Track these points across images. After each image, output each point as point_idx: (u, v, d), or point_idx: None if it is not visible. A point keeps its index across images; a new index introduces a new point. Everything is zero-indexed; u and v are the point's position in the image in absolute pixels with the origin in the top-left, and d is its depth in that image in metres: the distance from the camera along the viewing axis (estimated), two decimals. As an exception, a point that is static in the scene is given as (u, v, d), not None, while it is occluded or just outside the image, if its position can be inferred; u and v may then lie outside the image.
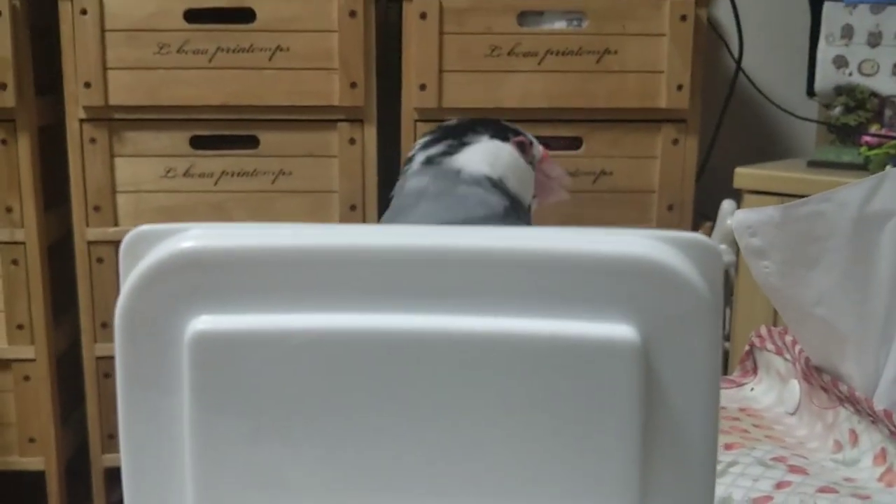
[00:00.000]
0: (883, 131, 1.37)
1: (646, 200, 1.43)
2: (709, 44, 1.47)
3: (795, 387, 0.70)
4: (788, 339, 0.71)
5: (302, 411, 0.37)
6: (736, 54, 1.57)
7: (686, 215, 1.44)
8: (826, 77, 1.42)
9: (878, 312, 0.61)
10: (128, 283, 0.36)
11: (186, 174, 1.38)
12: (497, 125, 1.03)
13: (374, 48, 1.37)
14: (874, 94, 1.39)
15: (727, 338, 1.45)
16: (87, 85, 1.33)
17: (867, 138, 1.36)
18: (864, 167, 1.32)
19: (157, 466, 0.39)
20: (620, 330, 0.35)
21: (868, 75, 1.40)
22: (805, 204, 0.62)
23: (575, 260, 0.35)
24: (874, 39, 1.39)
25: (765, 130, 1.73)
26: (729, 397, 0.75)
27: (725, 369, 0.77)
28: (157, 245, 0.37)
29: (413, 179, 0.98)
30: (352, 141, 1.38)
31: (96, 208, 1.37)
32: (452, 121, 1.05)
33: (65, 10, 1.31)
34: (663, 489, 0.37)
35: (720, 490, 0.60)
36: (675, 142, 1.41)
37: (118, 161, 1.37)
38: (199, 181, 1.38)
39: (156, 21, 1.33)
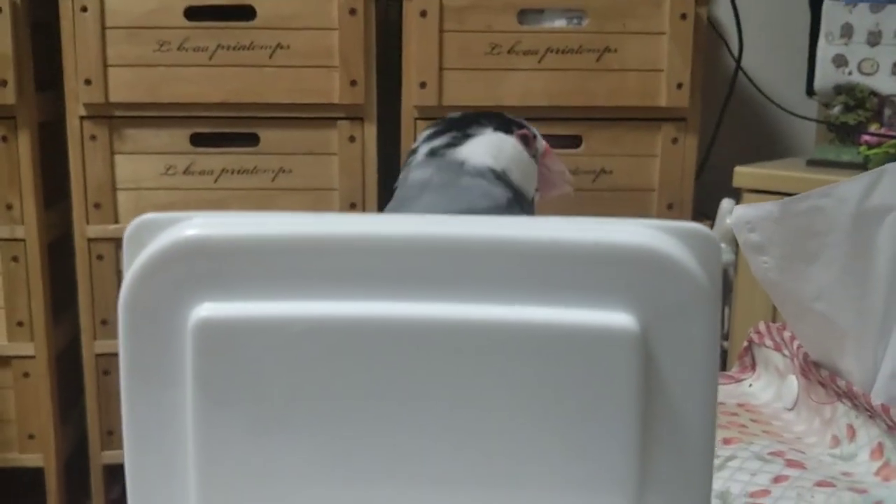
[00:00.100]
0: (882, 130, 1.38)
1: (645, 199, 1.43)
2: (709, 42, 1.47)
3: (793, 382, 0.70)
4: (787, 334, 0.71)
5: (304, 399, 0.37)
6: (736, 53, 1.57)
7: (685, 214, 1.44)
8: (826, 76, 1.42)
9: (876, 307, 0.61)
10: (131, 272, 0.37)
11: (187, 172, 1.38)
12: (501, 118, 1.03)
13: (374, 46, 1.37)
14: (874, 93, 1.39)
15: (726, 337, 1.45)
16: (88, 82, 1.33)
17: (867, 137, 1.36)
18: (863, 166, 1.32)
19: (160, 457, 0.39)
20: (620, 318, 0.35)
21: (868, 74, 1.40)
22: (804, 199, 0.62)
23: (575, 249, 0.36)
24: (874, 38, 1.39)
25: (764, 129, 1.73)
26: (727, 393, 0.75)
27: (724, 367, 0.77)
28: (161, 234, 0.37)
29: (417, 171, 0.98)
30: (352, 139, 1.38)
31: (96, 205, 1.38)
32: (457, 113, 1.06)
33: (65, 6, 1.31)
34: (662, 478, 0.37)
35: (718, 484, 0.60)
36: (675, 140, 1.41)
37: (118, 158, 1.37)
38: (200, 178, 1.38)
39: (156, 18, 1.33)
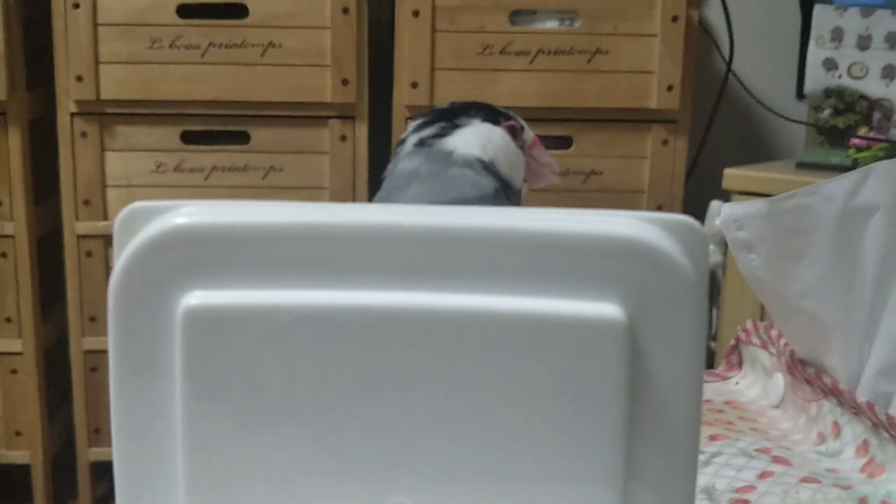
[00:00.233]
0: (871, 134, 1.38)
1: (635, 200, 1.44)
2: (700, 45, 1.48)
3: (780, 380, 0.71)
4: (774, 332, 0.72)
5: (294, 388, 0.37)
6: (726, 56, 1.57)
7: (675, 216, 1.44)
8: (815, 79, 1.43)
9: (862, 305, 0.61)
10: (121, 259, 0.37)
11: (177, 169, 1.38)
12: (489, 109, 1.04)
13: (366, 45, 1.37)
14: (863, 97, 1.40)
15: (714, 337, 1.46)
16: (79, 79, 1.33)
17: (856, 141, 1.37)
18: (852, 169, 1.32)
19: (149, 448, 0.39)
20: (607, 309, 0.36)
21: (857, 78, 1.41)
22: (792, 197, 0.62)
23: (562, 239, 0.36)
24: (864, 42, 1.40)
25: (754, 132, 1.74)
26: (714, 391, 0.76)
27: (711, 366, 0.78)
28: (151, 222, 0.37)
29: (405, 161, 0.99)
30: (343, 138, 1.39)
31: (86, 202, 1.38)
32: (445, 104, 1.06)
33: (57, 3, 1.31)
34: (648, 468, 0.37)
35: (704, 480, 0.61)
36: (665, 142, 1.42)
37: (109, 155, 1.37)
38: (190, 176, 1.38)
39: (148, 15, 1.33)
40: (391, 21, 1.39)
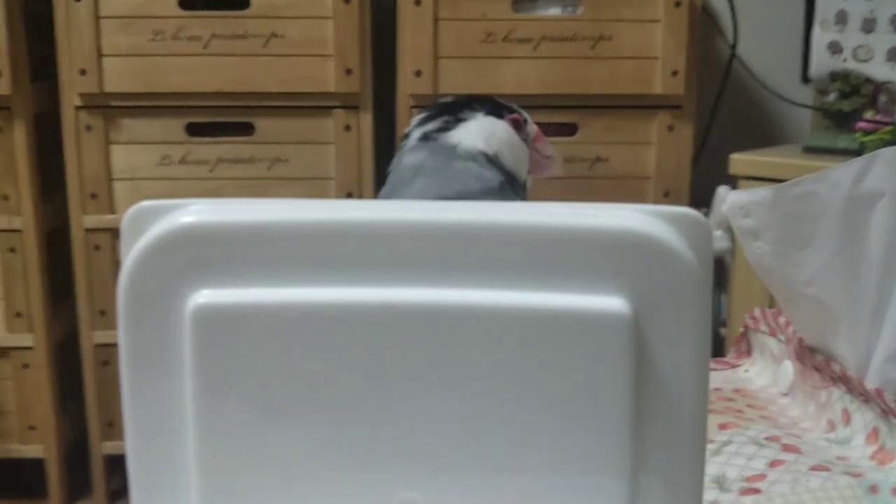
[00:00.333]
0: (877, 117, 1.38)
1: (641, 187, 1.43)
2: (703, 30, 1.47)
3: (789, 367, 0.71)
4: (782, 320, 0.72)
5: (303, 385, 0.37)
6: (730, 40, 1.57)
7: (682, 202, 1.44)
8: (821, 63, 1.42)
9: (869, 292, 0.61)
10: (129, 259, 0.37)
11: (182, 161, 1.38)
12: (493, 102, 1.04)
13: (369, 35, 1.37)
14: (868, 80, 1.39)
15: (723, 323, 1.46)
16: (83, 72, 1.33)
17: (862, 124, 1.36)
18: (858, 153, 1.32)
19: (161, 444, 0.40)
20: (611, 302, 0.36)
21: (862, 61, 1.40)
22: (798, 184, 0.62)
23: (566, 233, 0.36)
24: (868, 25, 1.39)
25: (760, 116, 1.73)
26: (724, 378, 0.76)
27: (721, 353, 0.78)
28: (158, 220, 0.37)
29: (409, 155, 0.99)
30: (347, 128, 1.38)
31: (93, 196, 1.38)
32: (448, 98, 1.06)
33: (60, -3, 1.31)
34: (655, 460, 0.37)
35: (715, 469, 0.61)
36: (671, 128, 1.41)
37: (114, 148, 1.37)
38: (195, 168, 1.38)
39: (150, 8, 1.33)
40: (393, 10, 1.38)
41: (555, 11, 1.38)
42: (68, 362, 1.49)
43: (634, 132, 1.42)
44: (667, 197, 1.43)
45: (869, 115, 1.38)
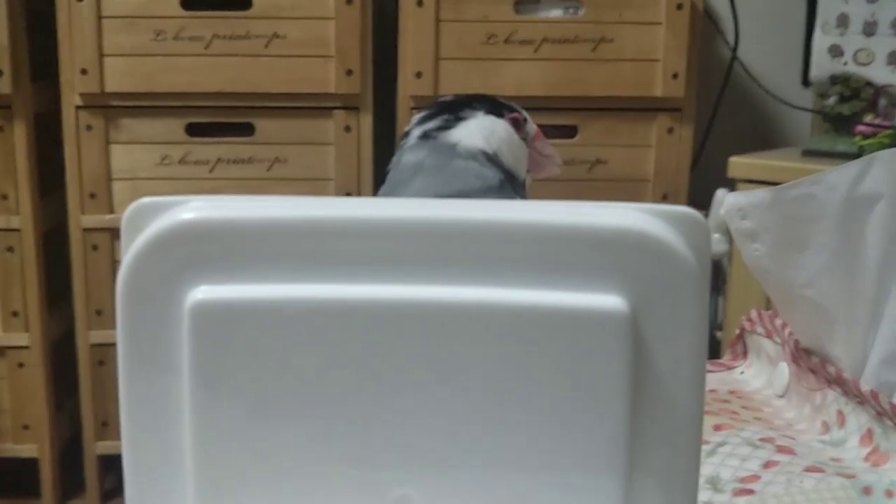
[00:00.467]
0: (877, 121, 1.38)
1: (640, 189, 1.43)
2: (704, 32, 1.48)
3: (784, 369, 0.71)
4: (778, 322, 0.72)
5: (301, 382, 0.37)
6: (731, 43, 1.57)
7: (681, 204, 1.44)
8: (821, 66, 1.43)
9: (866, 294, 0.61)
10: (129, 255, 0.37)
11: (182, 161, 1.38)
12: (492, 101, 1.04)
13: (370, 36, 1.37)
14: (869, 84, 1.39)
15: (719, 327, 1.46)
16: (84, 72, 1.33)
17: (862, 128, 1.36)
18: (858, 157, 1.32)
19: (157, 441, 0.40)
20: (610, 300, 0.36)
21: (863, 64, 1.40)
22: (795, 186, 0.62)
23: (565, 231, 0.36)
24: (869, 29, 1.40)
25: (760, 119, 1.73)
26: (719, 380, 0.76)
27: (717, 357, 0.78)
28: (158, 217, 0.37)
29: (409, 154, 0.99)
30: (347, 129, 1.38)
31: (92, 196, 1.38)
32: (448, 96, 1.06)
33: (61, -4, 1.32)
34: (651, 459, 0.38)
35: (709, 469, 0.61)
36: (671, 130, 1.41)
37: (114, 148, 1.37)
38: (195, 168, 1.39)
39: (152, 8, 1.33)
40: (395, 11, 1.39)
41: (556, 13, 1.38)
42: (64, 362, 1.49)
43: (634, 134, 1.42)
44: (665, 199, 1.43)
45: (869, 118, 1.38)
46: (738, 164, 1.36)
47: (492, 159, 0.98)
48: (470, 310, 0.37)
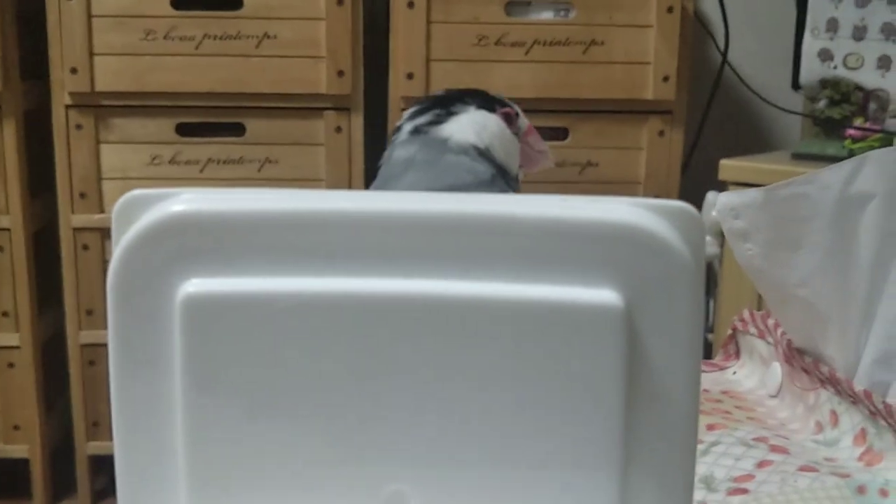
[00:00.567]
0: (867, 125, 1.38)
1: (631, 191, 1.44)
2: (695, 36, 1.48)
3: (777, 369, 0.71)
4: (771, 322, 0.72)
5: (295, 377, 0.37)
6: (722, 47, 1.57)
7: (671, 207, 1.44)
8: (811, 70, 1.43)
9: (859, 294, 0.61)
10: (119, 247, 0.37)
11: (172, 161, 1.38)
12: (484, 96, 1.03)
13: (361, 36, 1.37)
14: (859, 88, 1.40)
15: (711, 329, 1.46)
16: (74, 71, 1.33)
17: (851, 131, 1.37)
18: (847, 159, 1.32)
19: (149, 438, 0.39)
20: (604, 295, 0.36)
21: (853, 69, 1.41)
22: (788, 185, 0.62)
23: (559, 226, 0.36)
24: (859, 33, 1.40)
25: (750, 123, 1.74)
26: (711, 380, 0.76)
27: (709, 358, 0.78)
28: (149, 209, 0.37)
29: (401, 149, 0.99)
30: (338, 129, 1.38)
31: (82, 195, 1.37)
32: (440, 91, 1.06)
33: (51, -5, 1.31)
34: (646, 455, 0.37)
35: (702, 469, 0.61)
36: (661, 133, 1.42)
37: (104, 148, 1.37)
38: (186, 168, 1.38)
39: (142, 7, 1.33)
40: (386, 12, 1.38)
41: (547, 16, 1.38)
42: (54, 362, 1.49)
43: (625, 137, 1.42)
44: (657, 202, 1.43)
45: (858, 122, 1.38)
46: (729, 167, 1.36)
47: (483, 154, 0.98)
48: (463, 304, 0.36)
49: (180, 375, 0.37)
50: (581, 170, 1.43)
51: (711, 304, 1.45)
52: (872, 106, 1.41)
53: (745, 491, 0.58)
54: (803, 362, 0.67)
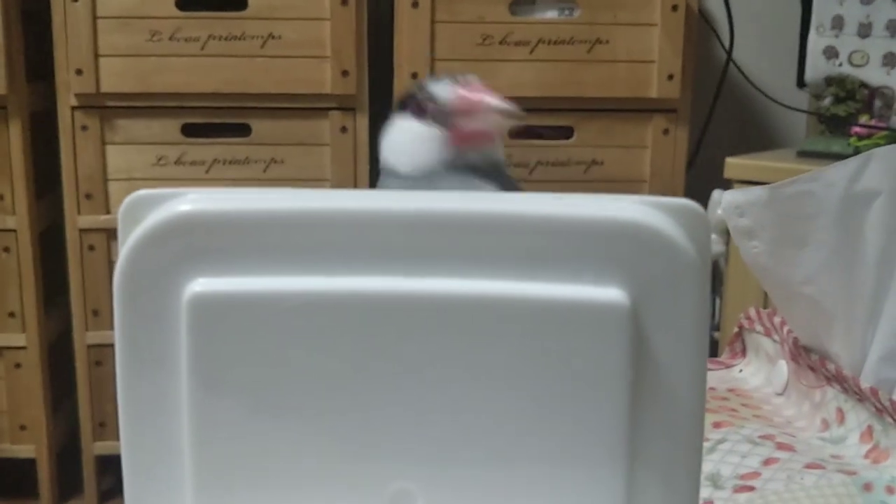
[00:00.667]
0: (872, 122, 1.38)
1: (636, 190, 1.43)
2: (700, 34, 1.48)
3: (783, 367, 0.71)
4: (777, 320, 0.72)
5: (299, 374, 0.37)
6: (727, 45, 1.57)
7: (676, 205, 1.44)
8: (816, 67, 1.43)
9: (864, 291, 0.61)
10: (126, 247, 0.37)
11: (178, 162, 1.38)
12: (404, 97, 0.87)
13: (365, 36, 1.37)
14: (864, 85, 1.40)
15: (716, 328, 1.46)
16: (79, 72, 1.33)
17: (857, 129, 1.37)
18: (853, 157, 1.32)
19: (155, 434, 0.40)
20: (610, 293, 0.36)
21: (858, 66, 1.41)
22: (793, 183, 0.62)
23: (566, 224, 0.36)
24: (864, 30, 1.40)
25: (755, 121, 1.73)
26: (718, 378, 0.76)
27: (715, 356, 0.78)
28: (155, 209, 0.37)
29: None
30: (343, 129, 1.38)
31: (88, 196, 1.37)
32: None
33: (56, -4, 1.31)
34: (652, 451, 0.37)
35: (709, 466, 0.61)
36: (666, 132, 1.41)
37: (110, 148, 1.37)
38: (191, 169, 1.38)
39: (147, 8, 1.33)
40: (390, 12, 1.38)
41: (552, 15, 1.38)
42: (61, 362, 1.49)
43: (630, 136, 1.42)
44: (662, 201, 1.43)
45: (864, 119, 1.38)
46: (734, 166, 1.36)
47: (384, 167, 0.85)
48: (470, 302, 0.37)
49: (187, 372, 0.38)
50: (586, 169, 1.42)
51: (717, 302, 1.45)
52: (878, 103, 1.41)
53: (751, 488, 0.58)
54: (809, 360, 0.67)
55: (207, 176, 1.38)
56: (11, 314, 1.41)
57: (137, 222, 0.37)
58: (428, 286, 0.36)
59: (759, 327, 0.75)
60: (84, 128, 1.35)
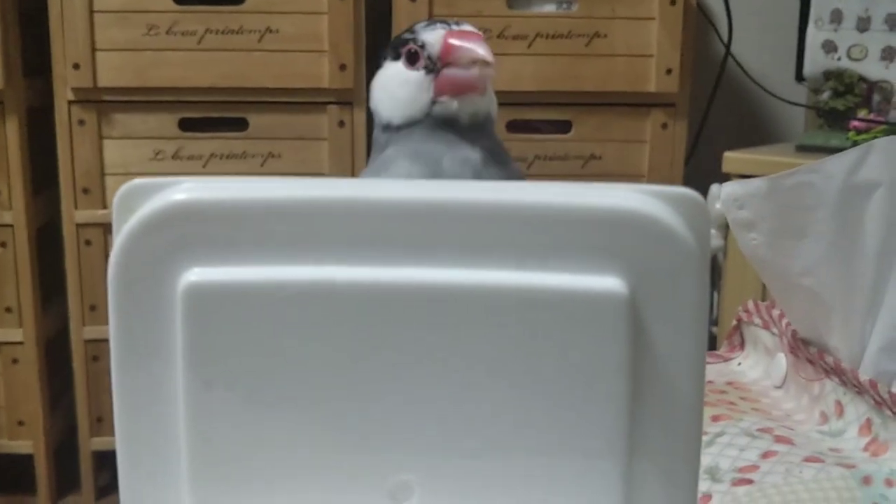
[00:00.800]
0: (871, 116, 1.38)
1: (635, 184, 1.43)
2: (698, 28, 1.47)
3: (782, 360, 0.70)
4: (775, 312, 0.72)
5: (295, 365, 0.37)
6: (725, 38, 1.57)
7: (675, 199, 1.43)
8: (815, 62, 1.42)
9: (864, 283, 0.61)
10: (120, 236, 0.36)
11: (175, 156, 1.38)
12: (392, 43, 0.82)
13: (363, 30, 1.36)
14: (862, 79, 1.39)
15: (715, 322, 1.46)
16: (76, 66, 1.32)
17: (855, 123, 1.36)
18: (852, 151, 1.32)
19: (151, 427, 0.39)
20: (609, 283, 0.35)
21: (857, 60, 1.40)
22: (792, 175, 0.62)
23: (564, 213, 0.35)
24: (863, 24, 1.40)
25: (754, 115, 1.73)
26: (716, 371, 0.75)
27: (713, 349, 0.78)
28: (150, 198, 0.37)
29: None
30: (341, 123, 1.38)
31: (85, 191, 1.37)
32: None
33: (53, -10, 1.31)
34: (651, 442, 0.37)
35: (708, 459, 0.61)
36: (665, 126, 1.41)
37: (107, 143, 1.37)
38: (188, 163, 1.38)
39: (145, 2, 1.32)
40: (388, 6, 1.38)
41: (550, 8, 1.38)
42: (58, 358, 1.48)
43: (628, 130, 1.42)
44: (660, 195, 1.42)
45: (862, 114, 1.38)
46: (733, 160, 1.36)
47: (379, 123, 0.78)
48: (467, 292, 0.36)
49: (182, 363, 0.37)
50: (584, 163, 1.42)
51: (715, 296, 1.45)
52: (876, 97, 1.41)
53: (749, 482, 0.58)
54: (808, 352, 0.66)
55: (205, 170, 1.38)
56: (8, 309, 1.40)
57: (132, 212, 0.37)
58: (425, 276, 0.36)
59: (757, 320, 0.75)
60: (81, 122, 1.35)
